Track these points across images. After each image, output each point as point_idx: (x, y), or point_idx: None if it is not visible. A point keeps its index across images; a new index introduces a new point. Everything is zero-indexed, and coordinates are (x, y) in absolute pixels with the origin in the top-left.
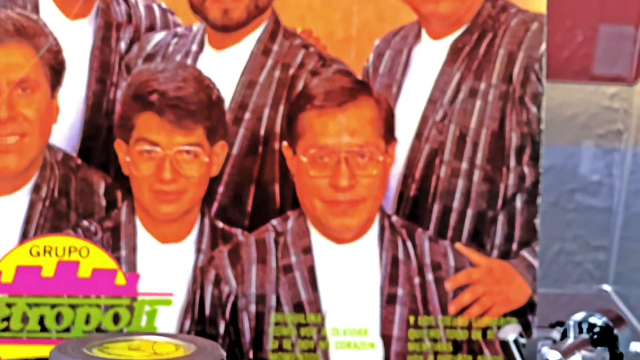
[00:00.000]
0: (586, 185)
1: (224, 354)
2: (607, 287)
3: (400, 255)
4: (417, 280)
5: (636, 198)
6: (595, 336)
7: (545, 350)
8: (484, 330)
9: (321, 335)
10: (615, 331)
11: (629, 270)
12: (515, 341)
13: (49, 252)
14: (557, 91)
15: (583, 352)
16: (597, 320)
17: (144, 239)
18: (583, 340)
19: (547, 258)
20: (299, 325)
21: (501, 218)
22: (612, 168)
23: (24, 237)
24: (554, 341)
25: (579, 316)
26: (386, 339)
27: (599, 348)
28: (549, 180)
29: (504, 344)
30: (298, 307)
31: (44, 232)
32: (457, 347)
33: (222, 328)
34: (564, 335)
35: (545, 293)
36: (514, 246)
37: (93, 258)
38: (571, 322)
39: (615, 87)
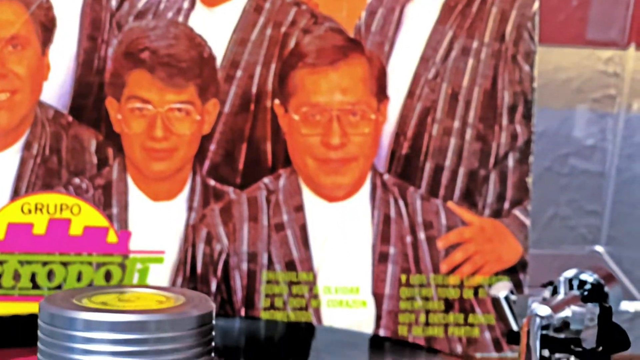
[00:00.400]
0: (580, 150)
1: (213, 305)
2: (599, 248)
3: (392, 213)
4: (408, 238)
5: (629, 162)
6: (585, 293)
7: (535, 305)
8: (476, 289)
9: (313, 294)
10: (606, 288)
11: (621, 235)
12: (506, 298)
13: (40, 210)
14: (551, 55)
15: (573, 307)
16: (588, 277)
17: (136, 196)
18: (573, 297)
19: (540, 222)
20: (290, 284)
21: (493, 177)
22: (607, 132)
23: (15, 194)
24: (545, 299)
25: (569, 273)
26: (378, 297)
27: (589, 304)
28: (543, 145)
29: (495, 301)
30: (290, 265)
31: (35, 190)
32: (448, 305)
33: (213, 286)
34: (555, 293)
35: (536, 254)
36: (506, 205)
37: (84, 216)
38: (561, 279)
39: (610, 52)
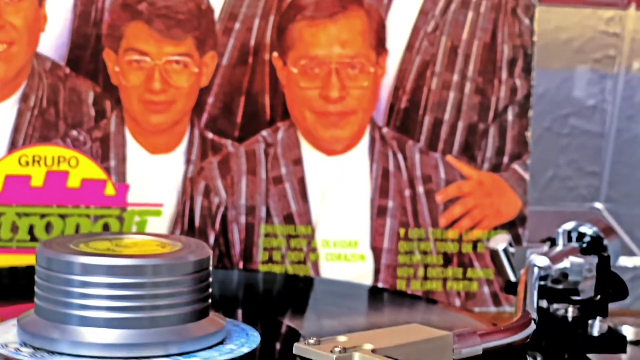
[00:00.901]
0: (581, 110)
1: (211, 251)
2: (599, 205)
3: (391, 167)
4: (407, 192)
5: (629, 123)
6: (584, 245)
7: (534, 256)
8: (475, 243)
9: (311, 247)
10: (605, 242)
11: (621, 195)
12: (505, 250)
13: (38, 162)
14: (552, 15)
15: (571, 258)
16: (587, 229)
17: (134, 149)
18: (572, 248)
19: (540, 183)
20: (288, 237)
21: (492, 131)
22: (606, 93)
23: (13, 146)
24: (544, 251)
25: (568, 225)
26: (376, 251)
27: (588, 256)
28: (543, 105)
29: (493, 253)
30: (288, 219)
31: (33, 142)
32: (447, 259)
33: (211, 239)
34: (553, 245)
35: (535, 211)
36: (505, 159)
37: (82, 168)
38: (560, 231)
39: (611, 12)
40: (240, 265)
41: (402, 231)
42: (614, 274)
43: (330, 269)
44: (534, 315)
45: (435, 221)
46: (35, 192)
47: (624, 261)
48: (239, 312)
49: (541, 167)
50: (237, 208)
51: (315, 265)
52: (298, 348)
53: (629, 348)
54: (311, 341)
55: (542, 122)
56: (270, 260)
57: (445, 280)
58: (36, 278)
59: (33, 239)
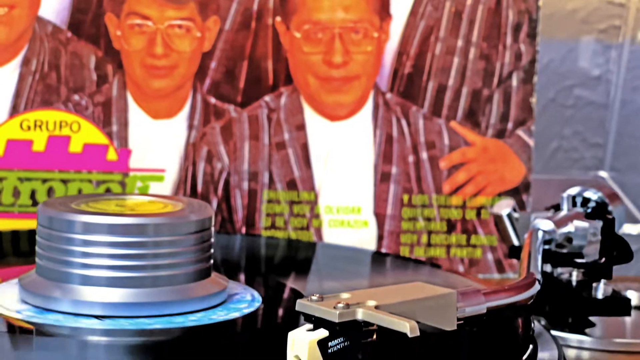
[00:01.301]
0: (586, 81)
1: (213, 211)
2: (603, 174)
3: (395, 133)
4: (411, 158)
5: (633, 94)
6: (589, 210)
7: (538, 220)
8: (478, 210)
9: (314, 213)
10: (610, 207)
11: (624, 166)
12: (509, 215)
13: (40, 127)
14: None
15: (576, 222)
16: (592, 195)
17: (136, 114)
18: (577, 213)
19: (545, 154)
20: (291, 203)
21: (497, 96)
22: (611, 64)
23: (14, 110)
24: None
25: (573, 191)
26: (379, 217)
27: (592, 221)
28: (548, 76)
29: (497, 218)
30: (291, 185)
31: (35, 106)
32: (451, 226)
33: (214, 205)
34: (558, 210)
35: (540, 179)
36: (510, 125)
37: (84, 133)
38: (565, 195)
39: None
40: (243, 231)
41: (405, 197)
42: (618, 236)
43: (333, 235)
44: (539, 277)
45: (439, 187)
46: (37, 157)
47: (628, 229)
48: (242, 275)
49: (545, 139)
50: (240, 174)
51: (318, 231)
52: (301, 305)
53: (633, 312)
54: (314, 298)
55: (546, 93)
56: (273, 226)
57: (448, 247)
58: (37, 237)
59: (35, 204)
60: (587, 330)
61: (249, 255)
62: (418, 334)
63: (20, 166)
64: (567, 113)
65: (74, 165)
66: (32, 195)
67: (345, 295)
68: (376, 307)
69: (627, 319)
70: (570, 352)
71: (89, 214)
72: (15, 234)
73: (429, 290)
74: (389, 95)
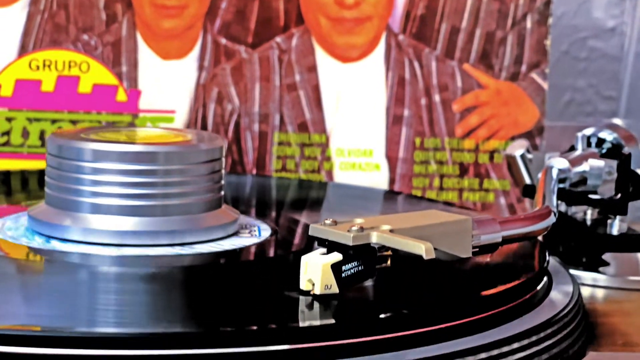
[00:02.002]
0: (600, 33)
1: (223, 142)
2: (617, 121)
3: (407, 75)
4: (423, 101)
5: None
6: (604, 151)
7: (553, 159)
8: (491, 154)
9: (325, 156)
10: (625, 149)
11: (639, 119)
12: (522, 156)
13: (49, 66)
14: None
15: (591, 161)
16: (607, 135)
17: (145, 54)
18: (592, 152)
19: (558, 107)
20: (302, 145)
21: (511, 38)
22: (625, 15)
23: (23, 50)
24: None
25: (588, 131)
26: (391, 160)
27: (607, 159)
28: (561, 28)
29: (511, 159)
30: (302, 127)
31: (43, 46)
32: (463, 170)
33: (225, 147)
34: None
35: (553, 125)
36: (523, 68)
37: (93, 73)
38: (579, 135)
39: None
40: (254, 173)
41: (417, 140)
42: (634, 173)
43: (344, 179)
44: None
45: (451, 131)
46: (46, 97)
47: None
48: (253, 210)
49: (558, 92)
50: (251, 115)
51: (330, 174)
52: (314, 229)
53: None
54: (328, 222)
55: (559, 46)
56: (283, 168)
57: (461, 190)
58: (47, 167)
59: (44, 144)
60: (601, 269)
61: (260, 193)
62: (434, 256)
63: (29, 106)
64: (580, 66)
65: (83, 105)
66: (42, 135)
67: (359, 220)
68: (391, 231)
69: None
70: (584, 291)
71: (99, 142)
72: (23, 173)
73: (444, 217)
74: (401, 37)
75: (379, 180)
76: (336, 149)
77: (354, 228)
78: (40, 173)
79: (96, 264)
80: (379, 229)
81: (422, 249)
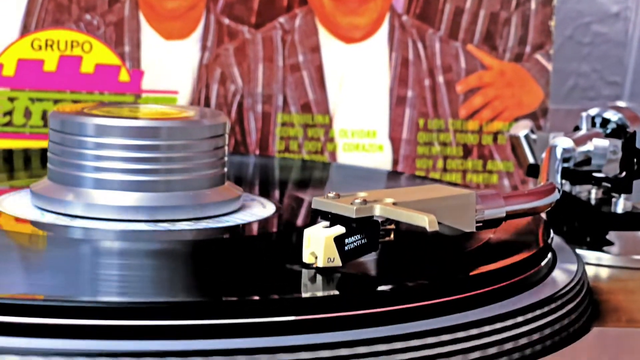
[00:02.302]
0: (603, 18)
1: (227, 119)
2: (622, 104)
3: (410, 56)
4: (427, 82)
5: None
6: (608, 131)
7: (557, 138)
8: (495, 135)
9: (328, 137)
10: (630, 129)
11: None
12: (526, 136)
13: (51, 46)
14: None
15: (595, 140)
16: (612, 115)
17: (148, 34)
18: (596, 132)
19: (562, 92)
20: (306, 126)
21: (515, 19)
22: (629, 0)
23: (25, 29)
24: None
25: (593, 111)
26: (395, 141)
27: (612, 139)
28: (565, 12)
29: (514, 140)
30: (305, 108)
31: (45, 26)
32: (467, 151)
33: (228, 124)
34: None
35: (557, 108)
36: (528, 49)
37: (96, 53)
38: (584, 115)
39: None
40: (257, 154)
41: (421, 122)
42: (639, 151)
43: (347, 159)
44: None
45: (455, 112)
46: (49, 77)
47: None
48: (256, 189)
49: (562, 77)
50: (254, 96)
51: (333, 155)
52: (317, 202)
53: None
54: (331, 195)
55: (563, 31)
56: (286, 149)
57: (464, 172)
58: (49, 142)
59: (47, 125)
60: (605, 248)
61: (263, 173)
62: (437, 228)
63: (31, 86)
64: (584, 51)
65: (86, 86)
66: (44, 115)
67: (362, 194)
68: (394, 204)
69: None
70: (588, 270)
71: (101, 117)
72: (26, 152)
73: (447, 191)
74: (405, 18)
75: (382, 161)
76: (339, 130)
77: (357, 201)
78: (43, 152)
79: (99, 238)
80: (382, 201)
81: (425, 220)
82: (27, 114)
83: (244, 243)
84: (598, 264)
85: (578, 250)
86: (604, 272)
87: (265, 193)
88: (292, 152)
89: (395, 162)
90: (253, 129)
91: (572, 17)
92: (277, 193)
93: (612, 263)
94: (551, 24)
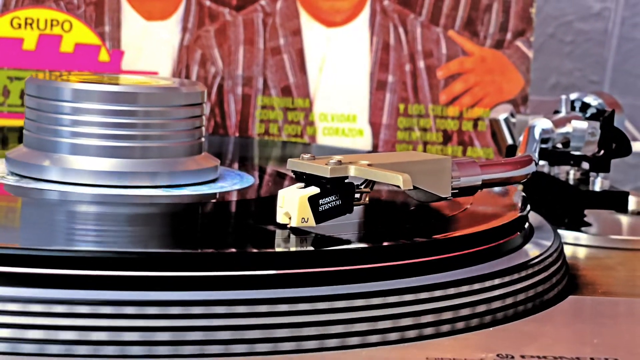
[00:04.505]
0: (586, 17)
1: (204, 88)
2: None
3: (392, 40)
4: (408, 67)
5: (632, 31)
6: (587, 115)
7: (536, 119)
8: (475, 121)
9: (308, 121)
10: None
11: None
12: (506, 120)
13: (30, 25)
14: None
15: (574, 122)
16: (592, 100)
17: (129, 15)
18: (575, 115)
19: (543, 90)
20: (286, 109)
21: (496, 6)
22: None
23: (5, 8)
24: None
25: (573, 95)
26: (375, 126)
27: (591, 121)
28: (548, 11)
29: (494, 123)
30: (285, 91)
31: (25, 4)
32: (447, 137)
33: (207, 109)
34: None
35: (537, 99)
36: (508, 36)
37: (76, 32)
38: (563, 98)
39: None
40: (236, 135)
41: (401, 107)
42: (618, 130)
43: (327, 144)
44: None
45: (435, 97)
46: (28, 56)
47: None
48: (235, 165)
49: (543, 75)
50: (234, 78)
51: (313, 139)
52: (292, 163)
53: (630, 216)
54: (306, 156)
55: (545, 29)
56: (266, 132)
57: None
58: (25, 108)
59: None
60: (583, 229)
61: (243, 151)
62: (411, 187)
63: (10, 65)
64: (566, 49)
65: (65, 65)
66: (22, 94)
67: (338, 157)
68: (369, 165)
69: (623, 218)
70: (567, 249)
71: (79, 82)
72: (2, 130)
73: (423, 156)
74: (386, 2)
75: (362, 145)
76: (319, 113)
77: (332, 162)
78: (21, 131)
79: (75, 200)
80: (357, 163)
81: (399, 179)
82: (6, 92)
83: (220, 208)
84: (576, 243)
85: (557, 230)
86: (582, 251)
87: (244, 167)
88: (272, 135)
89: (375, 146)
90: (233, 112)
91: (555, 15)
92: (256, 167)
93: (590, 243)
94: (532, 11)
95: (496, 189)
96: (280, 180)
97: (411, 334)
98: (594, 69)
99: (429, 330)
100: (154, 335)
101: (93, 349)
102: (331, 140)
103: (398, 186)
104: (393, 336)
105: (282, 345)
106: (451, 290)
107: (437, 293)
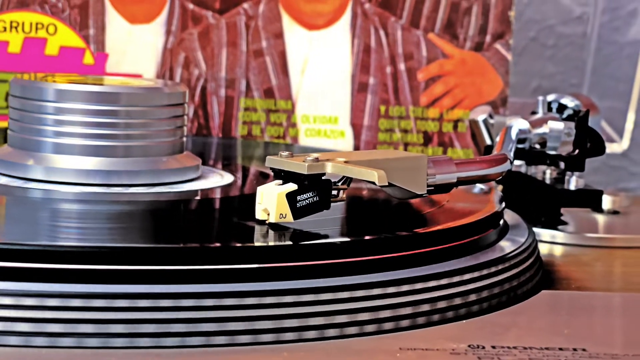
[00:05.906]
0: (568, 21)
1: (186, 89)
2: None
3: (372, 43)
4: (388, 69)
5: (612, 35)
6: (564, 117)
7: (514, 120)
8: (455, 123)
9: (291, 122)
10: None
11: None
12: (485, 121)
13: (15, 28)
14: None
15: (551, 123)
16: (569, 102)
17: (113, 18)
18: (552, 116)
19: (525, 93)
20: (268, 111)
21: (475, 9)
22: (589, 4)
23: None
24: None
25: (550, 96)
26: (356, 127)
27: (567, 122)
28: (530, 15)
29: (473, 124)
30: (268, 93)
31: (10, 7)
32: (427, 138)
33: (191, 111)
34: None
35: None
36: (488, 38)
37: (60, 35)
38: (541, 99)
39: None
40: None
41: (382, 108)
42: (592, 129)
43: (309, 145)
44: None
45: (416, 99)
46: (13, 59)
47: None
48: (218, 164)
49: (525, 79)
50: (217, 80)
51: (295, 140)
52: (271, 160)
53: (605, 215)
54: (284, 154)
55: (527, 33)
56: (249, 134)
57: None
58: (9, 108)
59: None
60: (559, 227)
61: (225, 151)
62: (387, 183)
63: None
64: (547, 53)
65: (50, 68)
66: (7, 97)
67: (315, 154)
68: (346, 162)
69: (599, 217)
70: (543, 247)
71: (62, 83)
72: None
73: (399, 154)
74: (367, 5)
75: (344, 147)
76: (302, 115)
77: (309, 158)
78: (5, 131)
79: (58, 198)
80: (334, 160)
81: (375, 175)
82: None
83: (200, 205)
84: (553, 241)
85: (533, 229)
86: (558, 249)
87: (226, 167)
88: (255, 137)
89: (356, 148)
90: (216, 113)
91: (536, 19)
92: (238, 167)
93: (566, 241)
94: (511, 14)
95: (475, 188)
96: (261, 179)
97: (388, 325)
98: (575, 73)
99: (405, 323)
100: (138, 327)
101: (77, 340)
102: (313, 142)
103: (374, 182)
104: (370, 328)
105: (263, 337)
106: (430, 283)
107: (417, 286)
